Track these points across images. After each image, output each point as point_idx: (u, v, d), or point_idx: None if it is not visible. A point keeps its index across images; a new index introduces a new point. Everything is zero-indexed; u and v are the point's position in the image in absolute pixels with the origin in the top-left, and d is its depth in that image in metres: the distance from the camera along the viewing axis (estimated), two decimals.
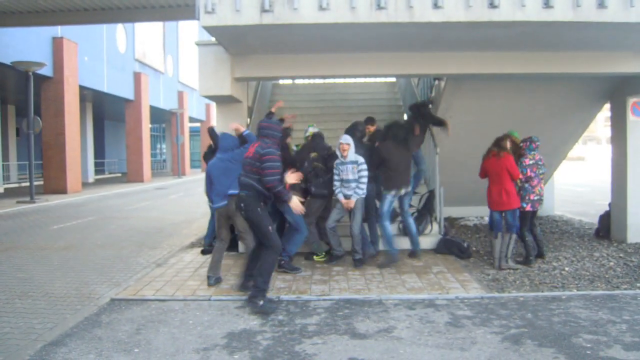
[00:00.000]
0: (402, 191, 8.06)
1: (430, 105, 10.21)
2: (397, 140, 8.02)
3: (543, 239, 8.48)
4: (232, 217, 6.84)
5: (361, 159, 7.59)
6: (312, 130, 8.61)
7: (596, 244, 9.34)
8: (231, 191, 6.66)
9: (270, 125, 6.07)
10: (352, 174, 7.56)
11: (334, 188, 7.79)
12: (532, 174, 7.80)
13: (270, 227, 5.91)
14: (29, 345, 4.83)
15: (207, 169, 7.03)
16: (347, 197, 7.61)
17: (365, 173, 7.58)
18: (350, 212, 7.71)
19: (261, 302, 5.72)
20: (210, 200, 7.09)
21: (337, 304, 5.92)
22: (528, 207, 7.82)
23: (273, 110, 8.64)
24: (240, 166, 6.21)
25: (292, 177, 6.05)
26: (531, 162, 7.83)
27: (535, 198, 7.84)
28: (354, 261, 7.75)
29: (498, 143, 7.66)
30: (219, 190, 6.78)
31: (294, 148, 8.79)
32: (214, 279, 6.86)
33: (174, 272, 7.60)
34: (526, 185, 7.79)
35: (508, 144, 7.63)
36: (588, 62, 8.32)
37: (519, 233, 7.81)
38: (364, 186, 7.60)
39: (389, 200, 7.98)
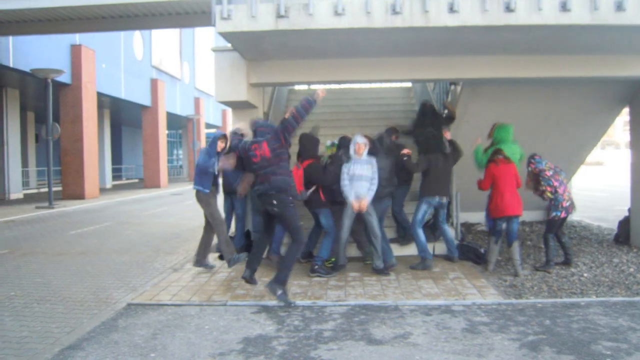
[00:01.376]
0: (444, 200, 8.12)
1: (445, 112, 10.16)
2: (440, 150, 8.18)
3: (571, 246, 8.37)
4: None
5: (374, 161, 7.52)
6: (329, 143, 8.56)
7: (615, 250, 9.22)
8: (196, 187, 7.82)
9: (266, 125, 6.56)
10: (367, 171, 7.40)
11: (343, 188, 7.51)
12: (557, 183, 7.76)
13: (300, 223, 6.41)
14: (47, 349, 4.87)
15: None
16: (359, 196, 7.37)
17: (377, 175, 7.49)
18: (359, 216, 7.51)
19: (279, 292, 6.07)
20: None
21: (353, 310, 5.90)
22: (563, 214, 7.81)
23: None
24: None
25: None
26: (551, 172, 7.81)
27: (567, 204, 7.81)
28: (377, 271, 7.55)
29: (499, 152, 7.74)
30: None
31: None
32: (197, 263, 7.98)
33: (190, 277, 7.62)
34: (557, 194, 7.75)
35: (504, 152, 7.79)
36: (606, 66, 8.22)
37: (545, 237, 7.87)
38: (375, 188, 7.47)
39: (424, 209, 7.99)
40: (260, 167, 6.19)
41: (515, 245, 7.56)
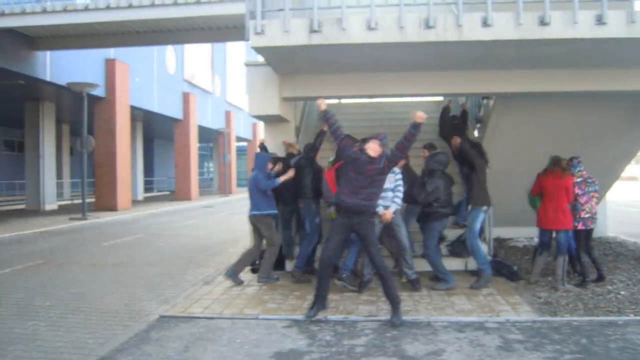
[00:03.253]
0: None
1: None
2: (486, 161, 7.96)
3: (602, 261, 8.21)
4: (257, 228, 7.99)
5: (397, 169, 7.41)
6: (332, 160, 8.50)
7: None
8: (253, 212, 7.86)
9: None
10: (389, 183, 7.21)
11: None
12: (580, 192, 7.62)
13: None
14: None
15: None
16: (385, 207, 7.23)
17: (401, 183, 7.39)
18: (386, 226, 7.39)
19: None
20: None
21: (385, 325, 5.85)
22: (580, 226, 7.65)
23: (324, 129, 8.37)
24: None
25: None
26: (579, 179, 7.68)
27: (587, 216, 7.65)
28: (410, 282, 7.46)
29: (558, 163, 7.55)
30: (253, 202, 7.85)
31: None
32: (231, 273, 7.89)
33: (221, 290, 7.65)
34: (576, 204, 7.62)
35: (564, 164, 7.56)
36: None
37: (575, 254, 7.71)
38: (401, 195, 7.37)
39: (482, 217, 7.81)
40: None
41: (560, 260, 7.44)
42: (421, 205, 7.66)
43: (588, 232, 7.82)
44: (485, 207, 7.79)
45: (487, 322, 5.95)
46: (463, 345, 5.20)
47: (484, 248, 8.74)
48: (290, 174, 7.78)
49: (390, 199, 7.30)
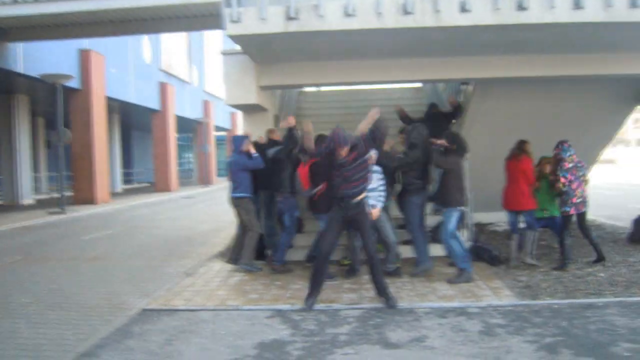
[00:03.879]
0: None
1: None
2: (464, 151, 7.65)
3: (599, 242, 8.30)
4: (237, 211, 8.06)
5: (378, 169, 7.34)
6: None
7: (630, 249, 9.11)
8: (232, 193, 7.89)
9: None
10: (373, 183, 7.14)
11: None
12: (572, 177, 7.69)
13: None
14: (62, 356, 4.87)
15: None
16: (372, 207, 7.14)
17: (384, 182, 7.37)
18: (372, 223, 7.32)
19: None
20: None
21: (368, 313, 5.85)
22: (572, 211, 7.72)
23: (291, 123, 8.36)
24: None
25: None
26: (570, 165, 7.72)
27: (578, 201, 7.72)
28: (389, 273, 7.34)
29: (520, 146, 7.72)
30: (232, 184, 7.92)
31: None
32: (246, 265, 7.88)
33: (203, 281, 7.60)
34: (567, 188, 7.68)
35: (529, 147, 7.72)
36: (619, 64, 8.16)
37: (560, 236, 7.79)
38: (384, 194, 7.36)
39: (457, 217, 7.42)
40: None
41: (529, 235, 7.70)
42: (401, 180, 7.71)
43: (581, 216, 7.88)
44: (460, 207, 7.57)
45: (469, 308, 5.99)
46: (446, 331, 5.23)
47: (464, 233, 8.79)
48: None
49: (376, 198, 7.29)
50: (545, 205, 8.11)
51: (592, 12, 6.45)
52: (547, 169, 7.93)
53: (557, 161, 7.79)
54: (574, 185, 7.70)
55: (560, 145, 7.84)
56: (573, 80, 8.83)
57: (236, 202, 7.92)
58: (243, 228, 8.14)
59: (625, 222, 11.58)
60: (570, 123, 10.03)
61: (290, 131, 8.01)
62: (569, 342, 4.83)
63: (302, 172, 7.72)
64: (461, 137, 7.90)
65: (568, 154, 7.77)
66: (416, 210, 7.63)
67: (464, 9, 6.49)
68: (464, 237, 8.90)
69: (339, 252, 7.92)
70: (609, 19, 6.47)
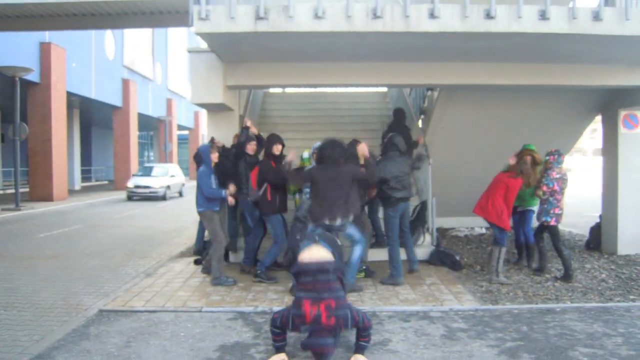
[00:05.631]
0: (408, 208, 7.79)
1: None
2: (400, 151, 7.63)
3: (547, 254, 8.36)
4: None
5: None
6: (307, 155, 8.38)
7: (587, 256, 9.33)
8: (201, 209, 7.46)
9: None
10: None
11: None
12: (558, 188, 7.68)
13: None
14: (15, 359, 4.72)
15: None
16: None
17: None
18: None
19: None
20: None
21: None
22: (552, 222, 7.72)
23: (248, 124, 8.31)
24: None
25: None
26: (558, 175, 7.73)
27: (559, 212, 7.75)
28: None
29: (523, 167, 7.56)
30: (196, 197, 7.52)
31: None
32: (218, 279, 7.33)
33: (163, 282, 7.48)
34: (551, 198, 7.70)
35: (529, 164, 7.66)
36: (581, 75, 8.33)
37: (555, 247, 7.78)
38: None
39: (397, 221, 7.51)
40: None
41: (495, 252, 7.48)
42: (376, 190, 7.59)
43: (553, 227, 7.83)
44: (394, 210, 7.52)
45: (431, 311, 6.03)
46: (408, 335, 5.25)
47: (427, 238, 8.86)
48: (232, 189, 7.39)
49: None
50: (526, 198, 8.15)
51: (557, 24, 6.56)
52: (528, 160, 7.72)
53: (546, 169, 7.79)
54: (558, 197, 7.71)
55: (556, 155, 7.82)
56: (537, 89, 8.98)
57: (199, 214, 7.68)
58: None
59: (582, 230, 11.87)
60: (533, 131, 10.16)
61: (244, 130, 8.18)
62: (529, 347, 4.91)
63: (252, 174, 7.66)
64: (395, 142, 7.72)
65: (558, 165, 7.82)
66: (393, 222, 7.49)
67: (432, 15, 6.53)
68: (426, 241, 9.00)
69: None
70: (573, 30, 6.59)
